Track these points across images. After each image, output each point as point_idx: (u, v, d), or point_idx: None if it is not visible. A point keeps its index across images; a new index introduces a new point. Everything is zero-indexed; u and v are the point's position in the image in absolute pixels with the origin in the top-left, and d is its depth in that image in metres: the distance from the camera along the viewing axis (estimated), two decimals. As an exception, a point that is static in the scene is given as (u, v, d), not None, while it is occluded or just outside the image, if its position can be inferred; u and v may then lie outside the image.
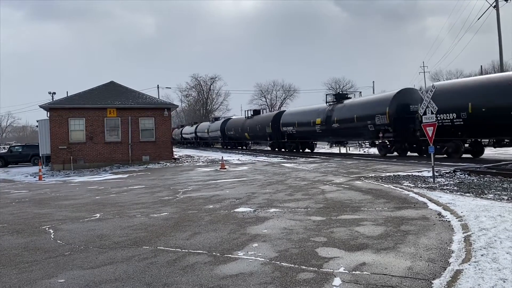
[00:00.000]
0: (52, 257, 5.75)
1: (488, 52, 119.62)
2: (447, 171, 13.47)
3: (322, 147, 35.73)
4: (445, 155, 19.69)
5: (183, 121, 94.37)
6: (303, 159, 23.93)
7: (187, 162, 26.96)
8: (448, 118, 18.75)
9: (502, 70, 34.28)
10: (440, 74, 74.41)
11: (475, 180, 11.58)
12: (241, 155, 33.02)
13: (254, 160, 25.54)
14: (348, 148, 33.55)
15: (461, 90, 18.97)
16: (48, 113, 25.59)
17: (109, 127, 25.94)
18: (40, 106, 26.07)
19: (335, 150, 34.42)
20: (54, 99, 47.61)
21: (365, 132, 24.23)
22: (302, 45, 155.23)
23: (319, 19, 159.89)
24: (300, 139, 32.23)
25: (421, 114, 12.20)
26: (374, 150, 26.94)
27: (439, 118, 18.44)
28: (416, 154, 21.65)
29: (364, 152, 29.73)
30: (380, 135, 22.68)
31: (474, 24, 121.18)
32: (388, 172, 14.32)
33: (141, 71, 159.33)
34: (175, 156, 30.20)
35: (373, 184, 11.65)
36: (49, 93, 57.54)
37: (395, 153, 22.78)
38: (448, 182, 11.46)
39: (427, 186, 10.81)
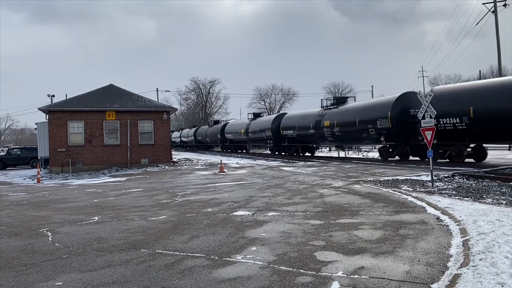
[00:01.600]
0: (50, 260, 5.73)
1: (487, 56, 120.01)
2: (446, 176, 13.49)
3: (259, 149, 47.66)
4: (294, 154, 32.75)
5: (182, 125, 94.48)
6: (302, 163, 23.93)
7: (186, 165, 26.94)
8: (290, 133, 32.16)
9: (500, 75, 34.40)
10: (439, 78, 74.60)
11: (474, 185, 11.58)
12: (240, 158, 33.02)
13: (253, 164, 25.54)
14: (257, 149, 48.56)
15: (303, 117, 31.16)
16: (47, 115, 25.60)
17: (108, 130, 25.95)
18: (39, 109, 26.06)
19: (258, 151, 47.91)
20: (53, 102, 47.64)
21: (262, 141, 38.60)
22: (301, 49, 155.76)
23: (319, 23, 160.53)
24: (235, 143, 46.89)
25: (420, 119, 12.26)
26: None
27: (294, 133, 31.73)
28: (285, 153, 34.63)
29: (264, 151, 44.50)
30: (268, 141, 36.96)
31: (473, 29, 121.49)
32: (386, 176, 14.33)
33: (141, 74, 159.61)
34: (174, 159, 30.18)
35: (372, 188, 11.66)
36: (48, 95, 57.59)
37: (276, 153, 36.26)
38: (446, 186, 11.47)
39: (425, 190, 10.81)
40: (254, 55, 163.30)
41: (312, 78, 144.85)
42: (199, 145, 60.83)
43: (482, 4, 33.93)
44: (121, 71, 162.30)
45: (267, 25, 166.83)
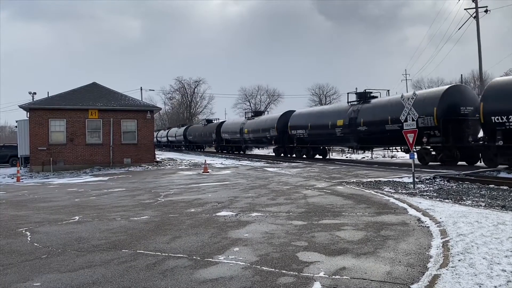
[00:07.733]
0: (28, 260, 5.62)
1: (469, 61, 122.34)
2: (427, 178, 13.69)
3: (209, 148, 56.18)
4: (229, 152, 43.44)
5: (167, 124, 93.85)
6: (286, 164, 24.00)
7: (169, 165, 26.75)
8: (226, 136, 43.32)
9: (481, 79, 35.08)
10: (421, 81, 76.03)
11: (454, 187, 11.79)
12: (224, 159, 32.98)
13: (237, 164, 25.51)
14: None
15: (233, 124, 42.81)
16: (28, 113, 25.12)
17: (90, 128, 25.60)
18: (20, 106, 25.57)
19: (209, 149, 56.31)
20: (34, 100, 46.77)
21: (210, 142, 49.39)
22: (287, 51, 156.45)
23: (304, 26, 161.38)
24: (194, 143, 57.25)
25: (402, 121, 12.41)
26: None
27: (228, 136, 42.83)
28: (225, 151, 44.69)
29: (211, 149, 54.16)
30: (213, 142, 47.57)
31: (455, 34, 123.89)
32: (369, 177, 14.47)
33: (125, 73, 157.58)
34: (157, 159, 29.94)
35: (355, 189, 11.75)
36: (30, 93, 56.62)
37: (219, 151, 47.04)
38: (428, 188, 11.64)
39: (407, 192, 10.95)
40: (240, 56, 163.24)
41: (298, 80, 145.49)
42: (170, 145, 69.43)
43: (464, 9, 34.55)
44: (105, 70, 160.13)
45: (253, 26, 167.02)
